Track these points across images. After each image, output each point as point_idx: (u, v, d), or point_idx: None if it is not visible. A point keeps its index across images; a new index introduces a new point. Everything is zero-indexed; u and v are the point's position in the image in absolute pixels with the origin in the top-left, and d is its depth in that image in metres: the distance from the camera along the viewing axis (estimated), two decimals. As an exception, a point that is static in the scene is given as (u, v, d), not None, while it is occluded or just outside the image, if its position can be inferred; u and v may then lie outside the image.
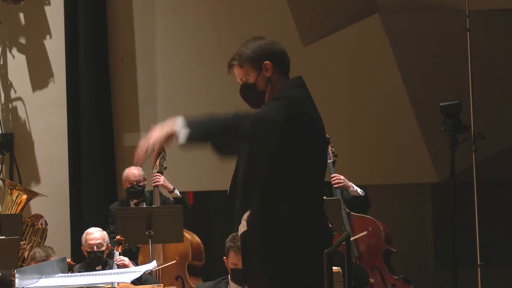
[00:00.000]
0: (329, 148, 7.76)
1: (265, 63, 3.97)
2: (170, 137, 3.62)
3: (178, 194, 7.80)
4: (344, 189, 7.61)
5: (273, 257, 3.85)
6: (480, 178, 7.45)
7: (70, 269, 6.78)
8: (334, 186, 7.55)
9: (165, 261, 7.59)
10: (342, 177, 7.61)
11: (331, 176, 7.64)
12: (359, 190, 7.63)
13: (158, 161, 7.79)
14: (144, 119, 9.16)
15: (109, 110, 9.07)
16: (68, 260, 6.96)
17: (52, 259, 6.62)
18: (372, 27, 9.03)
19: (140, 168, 7.94)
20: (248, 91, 4.02)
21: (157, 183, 7.71)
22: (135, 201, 7.93)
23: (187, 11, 9.17)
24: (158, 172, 7.74)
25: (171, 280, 7.48)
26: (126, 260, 6.82)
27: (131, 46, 9.18)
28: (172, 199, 7.81)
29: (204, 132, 3.69)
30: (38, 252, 6.76)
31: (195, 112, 4.19)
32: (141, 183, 7.88)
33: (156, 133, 3.62)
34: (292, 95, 3.92)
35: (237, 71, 4.05)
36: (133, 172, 7.87)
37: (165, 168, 7.78)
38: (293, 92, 3.94)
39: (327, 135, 7.75)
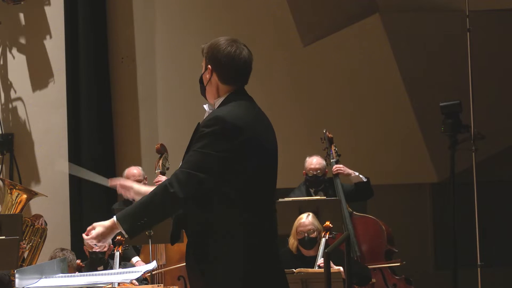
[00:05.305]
0: (332, 148, 7.77)
1: (208, 66, 4.02)
2: (113, 232, 4.10)
3: None
4: (344, 183, 7.62)
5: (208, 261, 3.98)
6: (480, 178, 7.45)
7: (79, 270, 6.85)
8: (334, 173, 7.59)
9: (167, 261, 7.59)
10: (341, 165, 7.65)
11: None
12: (360, 175, 7.64)
13: (161, 161, 7.81)
14: (144, 119, 9.16)
15: (109, 110, 9.07)
16: (78, 261, 7.01)
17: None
18: (372, 27, 9.04)
19: (139, 168, 7.94)
20: (200, 80, 4.10)
21: None
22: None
23: (187, 11, 9.17)
24: (160, 173, 7.75)
25: (173, 280, 7.48)
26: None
27: (131, 46, 9.18)
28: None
29: (144, 222, 4.14)
30: (69, 256, 6.91)
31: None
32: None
33: (100, 231, 4.21)
34: (228, 116, 3.88)
35: None
36: (133, 172, 7.85)
37: (168, 168, 7.80)
38: (228, 111, 3.91)
39: (330, 135, 7.82)
